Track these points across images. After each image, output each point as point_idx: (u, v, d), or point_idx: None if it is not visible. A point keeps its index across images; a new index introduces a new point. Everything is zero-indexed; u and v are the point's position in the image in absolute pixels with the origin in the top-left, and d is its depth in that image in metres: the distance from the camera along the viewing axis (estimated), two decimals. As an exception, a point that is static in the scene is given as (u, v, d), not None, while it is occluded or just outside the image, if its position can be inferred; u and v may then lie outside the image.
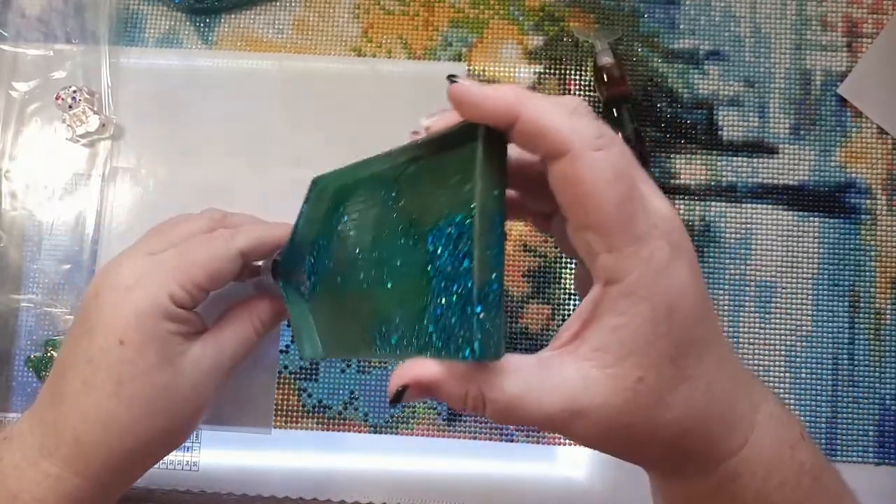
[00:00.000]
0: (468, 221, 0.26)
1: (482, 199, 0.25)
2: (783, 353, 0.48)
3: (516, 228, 0.49)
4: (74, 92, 0.49)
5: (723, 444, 0.27)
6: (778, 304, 0.48)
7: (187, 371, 0.36)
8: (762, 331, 0.48)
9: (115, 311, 0.35)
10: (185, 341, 0.37)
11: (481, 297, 0.25)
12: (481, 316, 0.25)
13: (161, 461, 0.47)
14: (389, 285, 0.31)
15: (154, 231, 0.39)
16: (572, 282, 0.48)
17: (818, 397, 0.47)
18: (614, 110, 0.48)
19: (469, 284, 0.25)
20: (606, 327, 0.25)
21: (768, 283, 0.48)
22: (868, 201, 0.49)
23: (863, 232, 0.49)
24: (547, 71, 0.50)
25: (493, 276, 0.25)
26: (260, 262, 0.41)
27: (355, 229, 0.33)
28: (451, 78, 0.26)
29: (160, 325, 0.35)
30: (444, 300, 0.27)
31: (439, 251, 0.28)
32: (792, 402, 0.47)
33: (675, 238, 0.25)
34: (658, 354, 0.25)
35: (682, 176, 0.49)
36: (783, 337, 0.48)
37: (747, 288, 0.48)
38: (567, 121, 0.24)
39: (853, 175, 0.49)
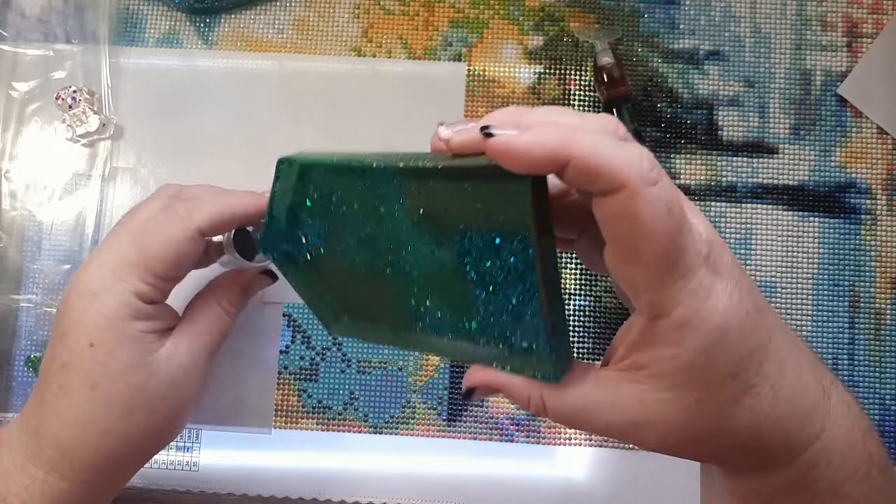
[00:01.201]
0: (528, 260, 0.28)
1: (541, 247, 0.27)
2: (783, 353, 0.48)
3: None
4: (74, 92, 0.49)
5: (799, 438, 0.28)
6: (778, 304, 0.48)
7: (162, 368, 0.36)
8: (762, 331, 0.48)
9: (83, 315, 0.35)
10: (158, 338, 0.37)
11: (551, 334, 0.28)
12: (551, 350, 0.28)
13: (161, 461, 0.47)
14: (415, 273, 0.32)
15: (116, 225, 0.38)
16: (572, 282, 0.48)
17: (818, 397, 0.47)
18: (614, 110, 0.48)
19: (541, 324, 0.28)
20: (660, 357, 0.26)
21: (768, 283, 0.48)
22: (868, 201, 0.49)
23: (863, 232, 0.49)
24: (547, 71, 0.50)
25: (559, 316, 0.28)
26: (222, 238, 0.40)
27: (350, 213, 0.34)
28: (486, 131, 0.24)
29: (129, 325, 0.35)
30: (504, 319, 0.30)
31: (485, 262, 0.30)
32: (792, 402, 0.47)
33: (714, 258, 0.26)
34: (716, 376, 0.26)
35: (682, 176, 0.49)
36: (783, 337, 0.48)
37: (747, 288, 0.48)
38: (620, 154, 0.24)
39: (853, 175, 0.49)
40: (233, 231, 0.38)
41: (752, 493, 0.29)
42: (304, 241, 0.36)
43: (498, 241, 0.29)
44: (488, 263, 0.30)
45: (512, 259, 0.29)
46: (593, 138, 0.24)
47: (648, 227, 0.24)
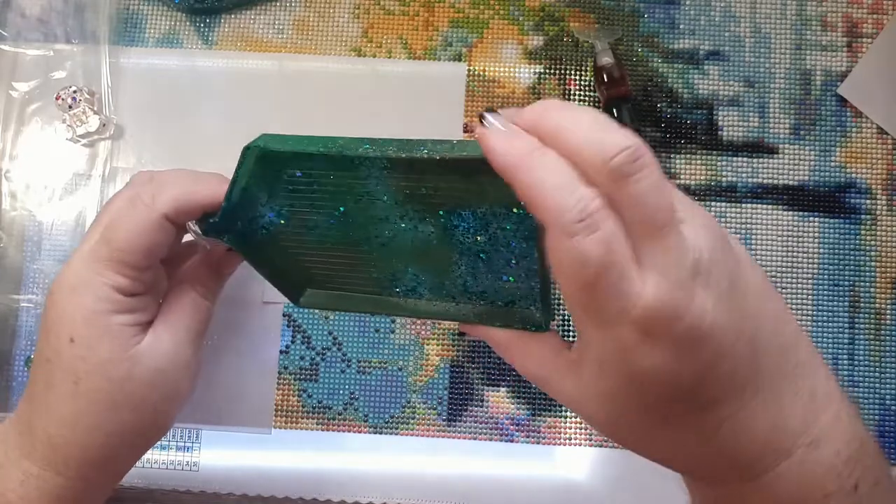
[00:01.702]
0: (530, 227, 0.31)
1: (539, 233, 0.30)
2: (783, 353, 0.48)
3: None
4: (74, 92, 0.49)
5: (731, 474, 0.28)
6: (778, 304, 0.48)
7: (145, 360, 0.36)
8: (762, 331, 0.48)
9: (64, 311, 0.35)
10: (141, 331, 0.36)
11: (545, 293, 0.32)
12: (544, 306, 0.32)
13: (161, 461, 0.47)
14: (395, 245, 0.34)
15: (94, 221, 0.37)
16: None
17: (818, 397, 0.47)
18: (614, 110, 0.48)
19: (536, 285, 0.32)
20: (586, 373, 0.28)
21: (768, 283, 0.48)
22: (868, 201, 0.49)
23: (863, 232, 0.49)
24: (547, 71, 0.50)
25: (548, 274, 0.32)
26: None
27: (322, 193, 0.35)
28: (481, 116, 0.25)
29: (108, 319, 0.35)
30: (494, 269, 0.33)
31: (477, 234, 0.32)
32: (792, 402, 0.47)
33: (652, 327, 0.25)
34: (635, 411, 0.28)
35: (682, 176, 0.49)
36: (783, 337, 0.48)
37: (747, 288, 0.48)
38: (554, 197, 0.24)
39: (853, 175, 0.49)
40: (203, 214, 0.37)
41: (705, 498, 0.31)
42: (262, 220, 0.36)
43: (492, 213, 0.31)
44: (480, 235, 0.32)
45: (508, 227, 0.31)
46: (541, 175, 0.24)
47: (560, 275, 0.25)
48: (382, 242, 0.35)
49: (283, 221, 0.36)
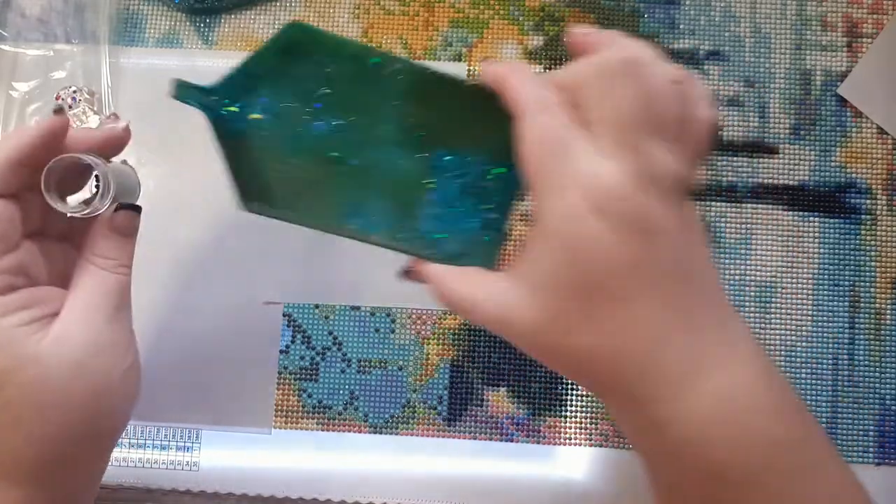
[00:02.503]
0: (502, 179, 0.35)
1: (517, 171, 0.32)
2: (783, 353, 0.48)
3: (517, 229, 0.49)
4: (74, 92, 0.49)
5: (636, 390, 0.30)
6: (778, 304, 0.48)
7: (56, 356, 0.32)
8: (762, 331, 0.48)
9: None
10: (42, 327, 0.33)
11: (501, 240, 0.35)
12: (497, 251, 0.35)
13: (161, 461, 0.47)
14: (373, 172, 0.36)
15: None
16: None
17: (818, 397, 0.47)
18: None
19: (500, 225, 0.35)
20: (527, 260, 0.30)
21: (768, 283, 0.48)
22: (868, 201, 0.49)
23: (863, 232, 0.49)
24: (547, 71, 0.50)
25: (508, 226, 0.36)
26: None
27: (321, 93, 0.36)
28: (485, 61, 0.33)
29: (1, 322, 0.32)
30: (454, 218, 0.36)
31: (447, 175, 0.36)
32: (792, 402, 0.47)
33: (602, 200, 0.28)
34: (564, 291, 0.29)
35: (682, 176, 0.49)
36: (783, 337, 0.48)
37: (747, 288, 0.48)
38: (528, 92, 0.30)
39: (853, 175, 0.49)
40: (43, 174, 0.33)
41: (622, 424, 0.32)
42: (252, 110, 0.36)
43: (479, 161, 0.36)
44: (460, 179, 0.36)
45: (489, 177, 0.35)
46: (520, 79, 0.31)
47: (523, 146, 0.30)
48: (363, 167, 0.36)
49: (269, 119, 0.36)
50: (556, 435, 0.47)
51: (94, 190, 0.35)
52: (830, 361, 0.48)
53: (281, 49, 0.36)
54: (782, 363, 0.48)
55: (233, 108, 0.36)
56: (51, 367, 0.32)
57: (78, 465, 0.35)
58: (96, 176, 0.35)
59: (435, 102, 0.36)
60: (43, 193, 0.33)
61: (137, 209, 0.37)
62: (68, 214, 0.34)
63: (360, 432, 0.48)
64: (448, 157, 0.36)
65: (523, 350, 0.31)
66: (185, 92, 0.36)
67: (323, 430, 0.48)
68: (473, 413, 0.48)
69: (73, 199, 0.35)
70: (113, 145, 0.37)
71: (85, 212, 0.35)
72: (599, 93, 0.29)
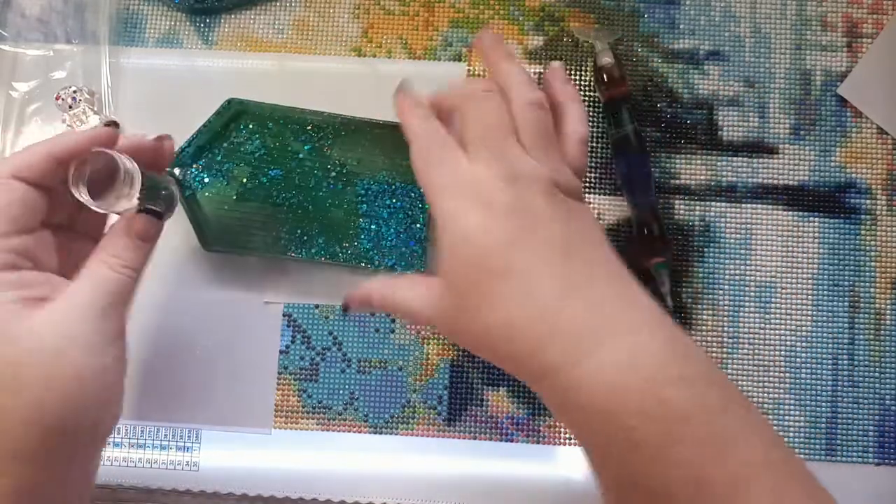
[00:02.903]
0: (420, 198, 0.47)
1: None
2: (783, 353, 0.48)
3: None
4: (74, 92, 0.49)
5: (537, 359, 0.32)
6: (778, 304, 0.48)
7: (36, 339, 0.32)
8: (762, 331, 0.48)
9: None
10: (28, 307, 0.33)
11: (426, 248, 0.47)
12: (425, 257, 0.47)
13: (161, 461, 0.47)
14: (311, 208, 0.47)
15: None
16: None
17: (818, 397, 0.47)
18: (614, 110, 0.48)
19: (422, 235, 0.47)
20: (437, 260, 0.35)
21: (768, 283, 0.48)
22: (868, 201, 0.49)
23: (863, 232, 0.49)
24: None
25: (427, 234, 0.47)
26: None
27: (260, 153, 0.47)
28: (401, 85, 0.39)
29: None
30: (387, 236, 0.47)
31: (375, 200, 0.47)
32: (792, 402, 0.47)
33: (477, 195, 0.34)
34: (460, 279, 0.34)
35: (682, 176, 0.49)
36: (783, 337, 0.48)
37: (747, 288, 0.48)
38: (413, 121, 0.37)
39: (853, 175, 0.49)
40: (73, 165, 0.35)
41: (544, 401, 0.34)
42: (205, 173, 0.47)
43: (402, 186, 0.47)
44: (388, 201, 0.47)
45: (410, 197, 0.47)
46: (415, 111, 0.37)
47: (415, 166, 0.36)
48: (301, 205, 0.47)
49: (221, 177, 0.47)
50: (557, 435, 0.47)
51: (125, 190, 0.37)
52: (830, 361, 0.48)
53: (223, 122, 0.47)
54: (782, 363, 0.48)
55: (191, 173, 0.47)
56: (29, 349, 0.32)
57: (59, 457, 0.33)
58: (124, 173, 0.36)
59: (359, 143, 0.48)
60: (76, 192, 0.34)
61: (158, 216, 0.38)
62: (93, 208, 0.35)
63: (360, 432, 0.48)
64: (375, 186, 0.47)
65: (454, 342, 0.37)
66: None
67: (323, 430, 0.48)
68: (473, 413, 0.48)
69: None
70: (153, 157, 0.39)
71: (111, 208, 0.36)
72: (468, 113, 0.36)
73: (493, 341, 0.34)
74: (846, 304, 0.48)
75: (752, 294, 0.48)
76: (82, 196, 0.35)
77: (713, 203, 0.49)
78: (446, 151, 0.35)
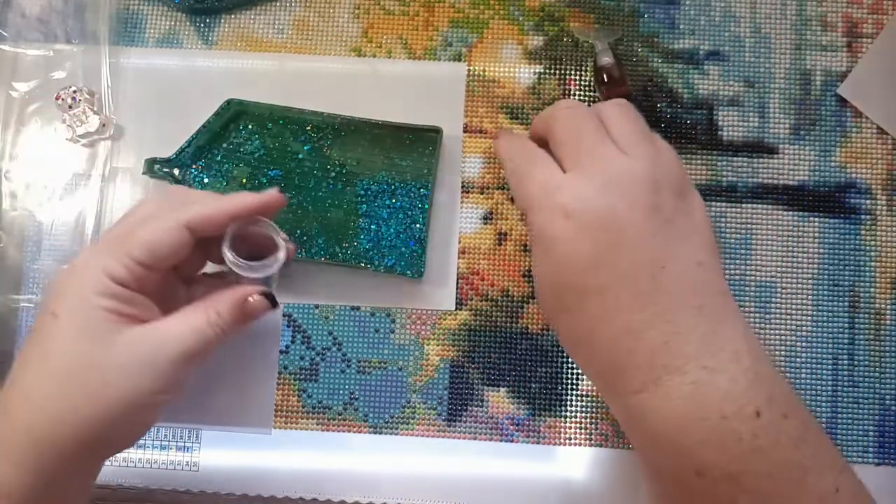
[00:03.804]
0: (419, 198, 0.47)
1: (434, 191, 0.48)
2: (783, 353, 0.48)
3: (516, 229, 0.49)
4: (74, 92, 0.49)
5: (610, 378, 0.33)
6: (778, 304, 0.48)
7: (114, 353, 0.34)
8: (762, 331, 0.48)
9: (56, 286, 0.35)
10: (122, 322, 0.35)
11: (425, 248, 0.47)
12: (424, 257, 0.47)
13: (161, 461, 0.47)
14: (310, 208, 0.47)
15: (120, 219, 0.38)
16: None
17: (818, 397, 0.47)
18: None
19: (421, 236, 0.47)
20: (534, 264, 0.36)
21: (768, 283, 0.48)
22: (868, 201, 0.49)
23: (863, 232, 0.49)
24: (547, 71, 0.50)
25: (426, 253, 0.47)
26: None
27: (259, 153, 0.47)
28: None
29: (92, 299, 0.34)
30: (386, 236, 0.47)
31: (375, 200, 0.47)
32: (792, 402, 0.47)
33: (567, 207, 0.33)
34: (542, 289, 0.35)
35: (682, 176, 0.49)
36: (783, 337, 0.48)
37: (747, 288, 0.48)
38: (500, 144, 0.40)
39: (853, 175, 0.49)
40: (230, 229, 0.37)
41: (612, 410, 0.35)
42: (205, 173, 0.47)
43: (402, 186, 0.47)
44: (388, 201, 0.47)
45: (409, 197, 0.47)
46: (508, 139, 0.40)
47: (511, 183, 0.37)
48: (301, 206, 0.47)
49: (220, 177, 0.47)
50: (556, 435, 0.47)
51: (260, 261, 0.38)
52: (830, 361, 0.48)
53: (223, 123, 0.47)
54: (782, 363, 0.48)
55: (191, 174, 0.47)
56: (107, 359, 0.34)
57: (80, 461, 0.35)
58: (267, 238, 0.39)
59: (359, 143, 0.47)
60: (227, 254, 0.37)
61: (275, 304, 0.39)
62: (234, 269, 0.38)
63: (359, 432, 0.48)
64: (375, 186, 0.47)
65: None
66: (151, 166, 0.47)
67: (323, 431, 0.48)
68: (473, 413, 0.48)
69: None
70: (270, 211, 0.39)
71: (250, 273, 0.38)
72: (555, 126, 0.37)
73: (578, 351, 0.35)
74: (846, 304, 0.48)
75: (752, 294, 0.48)
76: (233, 258, 0.37)
77: (713, 203, 0.49)
78: (535, 165, 0.36)
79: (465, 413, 0.48)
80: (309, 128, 0.48)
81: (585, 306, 0.33)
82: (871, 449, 0.47)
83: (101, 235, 0.37)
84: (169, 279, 0.39)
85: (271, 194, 0.38)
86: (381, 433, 0.48)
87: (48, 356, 0.34)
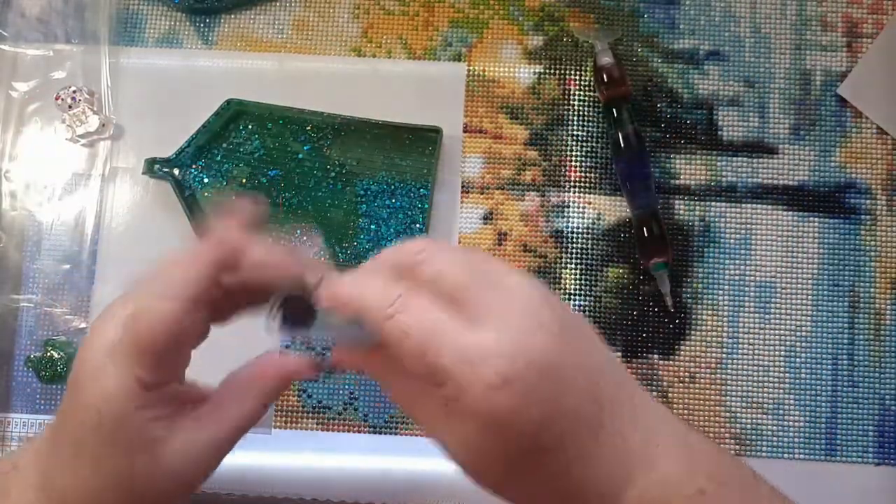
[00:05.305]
0: (419, 198, 0.47)
1: (433, 191, 0.48)
2: (783, 353, 0.48)
3: (516, 230, 0.49)
4: (74, 92, 0.49)
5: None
6: (778, 304, 0.48)
7: (166, 459, 0.32)
8: (762, 331, 0.48)
9: (93, 381, 0.31)
10: (169, 424, 0.32)
11: None
12: None
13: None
14: (310, 208, 0.47)
15: (118, 298, 0.33)
16: (572, 282, 0.48)
17: (818, 397, 0.47)
18: (614, 110, 0.48)
19: (421, 236, 0.46)
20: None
21: (768, 283, 0.48)
22: (868, 201, 0.49)
23: (863, 232, 0.49)
24: (547, 71, 0.50)
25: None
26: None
27: (259, 153, 0.48)
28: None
29: (131, 411, 0.31)
30: (386, 236, 0.47)
31: (375, 200, 0.47)
32: (792, 402, 0.47)
33: (496, 370, 0.27)
34: (496, 462, 0.30)
35: (682, 176, 0.49)
36: (783, 337, 0.48)
37: (747, 288, 0.48)
38: (364, 290, 0.30)
39: (853, 175, 0.49)
40: (279, 296, 0.34)
41: None
42: (204, 173, 0.47)
43: (401, 186, 0.47)
44: (388, 201, 0.47)
45: (409, 197, 0.47)
46: (359, 279, 0.31)
47: (400, 352, 0.28)
48: (301, 205, 0.47)
49: (220, 177, 0.47)
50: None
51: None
52: (830, 361, 0.48)
53: (223, 123, 0.47)
54: (782, 363, 0.48)
55: (191, 174, 0.47)
56: (159, 468, 0.31)
57: None
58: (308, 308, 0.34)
59: (358, 143, 0.47)
60: (271, 323, 0.34)
61: (319, 371, 0.38)
62: (274, 339, 0.34)
63: (359, 432, 0.48)
64: (374, 186, 0.47)
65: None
66: (151, 166, 0.47)
67: (323, 430, 0.48)
68: (473, 413, 0.48)
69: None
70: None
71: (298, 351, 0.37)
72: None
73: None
74: (846, 304, 0.48)
75: (752, 294, 0.48)
76: (278, 332, 0.34)
77: (713, 203, 0.49)
78: (447, 330, 0.28)
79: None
80: (309, 128, 0.48)
81: (541, 464, 0.29)
82: (870, 449, 0.47)
83: (107, 328, 0.32)
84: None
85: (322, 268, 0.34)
86: (380, 433, 0.48)
87: (100, 459, 0.32)
